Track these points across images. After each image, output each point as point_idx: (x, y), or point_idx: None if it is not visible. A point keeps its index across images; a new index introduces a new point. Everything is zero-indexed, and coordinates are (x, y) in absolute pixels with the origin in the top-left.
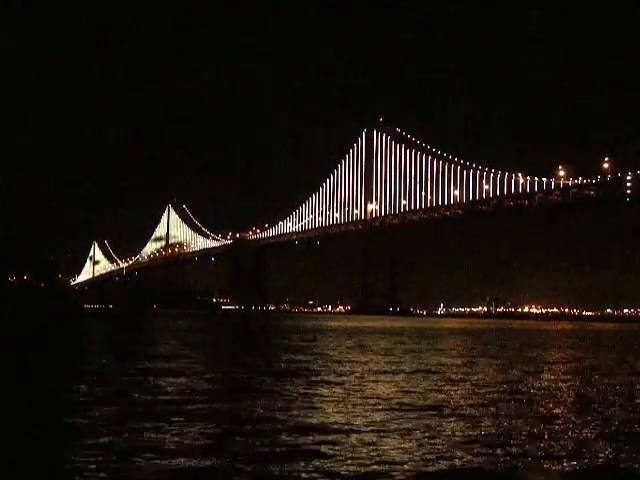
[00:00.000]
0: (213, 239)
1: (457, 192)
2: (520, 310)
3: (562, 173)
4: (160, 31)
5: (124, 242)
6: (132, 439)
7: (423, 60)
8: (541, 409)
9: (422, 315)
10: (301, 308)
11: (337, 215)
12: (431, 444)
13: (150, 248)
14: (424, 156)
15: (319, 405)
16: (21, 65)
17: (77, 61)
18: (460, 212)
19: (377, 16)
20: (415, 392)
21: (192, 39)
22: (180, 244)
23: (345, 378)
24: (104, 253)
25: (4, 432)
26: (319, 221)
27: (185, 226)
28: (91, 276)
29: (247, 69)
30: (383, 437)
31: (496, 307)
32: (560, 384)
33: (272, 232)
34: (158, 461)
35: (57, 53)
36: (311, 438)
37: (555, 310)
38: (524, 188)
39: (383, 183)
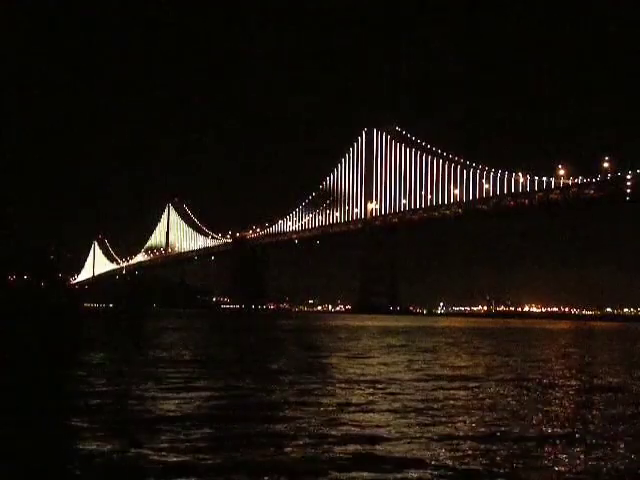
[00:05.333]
0: (213, 238)
1: (457, 191)
2: (520, 309)
3: (562, 172)
4: (162, 32)
5: (124, 241)
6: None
7: (423, 60)
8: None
9: (422, 314)
10: (301, 307)
11: (337, 214)
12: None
13: (150, 247)
14: (424, 155)
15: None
16: (21, 63)
17: (77, 60)
18: (460, 211)
19: (376, 15)
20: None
21: (193, 41)
22: (180, 243)
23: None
24: (104, 252)
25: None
26: (319, 220)
27: (185, 225)
28: (91, 275)
29: (247, 68)
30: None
31: (496, 306)
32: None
33: (272, 231)
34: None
35: (58, 53)
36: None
37: (555, 309)
38: (524, 187)
39: (383, 182)
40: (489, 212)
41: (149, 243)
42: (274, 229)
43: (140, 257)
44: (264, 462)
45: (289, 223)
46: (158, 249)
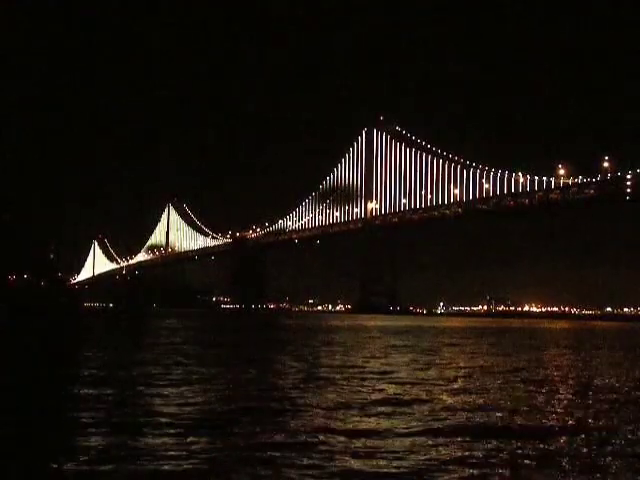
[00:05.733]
0: (213, 238)
1: (457, 191)
2: (520, 309)
3: (562, 172)
4: (162, 32)
5: (124, 241)
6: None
7: (423, 60)
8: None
9: (422, 314)
10: (301, 307)
11: (337, 214)
12: None
13: (150, 247)
14: (424, 155)
15: None
16: (21, 63)
17: (77, 60)
18: (460, 211)
19: (376, 15)
20: None
21: (193, 41)
22: (180, 243)
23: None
24: (104, 252)
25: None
26: (319, 220)
27: (185, 225)
28: (91, 275)
29: (247, 68)
30: None
31: (496, 306)
32: None
33: (272, 231)
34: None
35: (58, 53)
36: None
37: (555, 309)
38: (524, 187)
39: (383, 182)
40: (489, 212)
41: (149, 243)
42: (274, 229)
43: (140, 257)
44: (265, 462)
45: (289, 223)
46: (158, 249)
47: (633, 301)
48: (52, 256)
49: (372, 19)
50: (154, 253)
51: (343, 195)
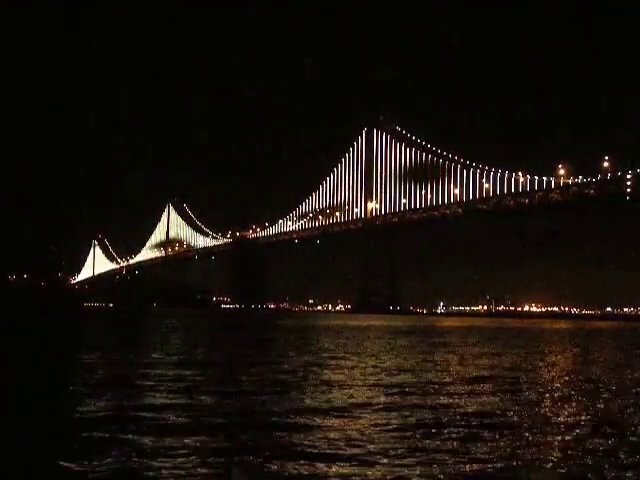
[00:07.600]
0: (213, 238)
1: (457, 191)
2: (520, 309)
3: (562, 172)
4: (162, 31)
5: (124, 241)
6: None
7: (424, 60)
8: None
9: (422, 314)
10: (301, 307)
11: (337, 214)
12: None
13: (150, 247)
14: (424, 154)
15: None
16: (21, 63)
17: (77, 60)
18: (460, 211)
19: (376, 15)
20: None
21: (193, 41)
22: (180, 243)
23: None
24: (104, 252)
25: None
26: (319, 220)
27: (185, 225)
28: (91, 275)
29: (248, 67)
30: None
31: (496, 306)
32: None
33: (272, 231)
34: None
35: (58, 53)
36: None
37: (555, 309)
38: (524, 187)
39: (383, 182)
40: (489, 212)
41: (149, 243)
42: (274, 229)
43: (140, 256)
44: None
45: (289, 222)
46: (158, 248)
47: (633, 301)
48: (52, 256)
49: (372, 19)
50: (154, 253)
51: (343, 195)
